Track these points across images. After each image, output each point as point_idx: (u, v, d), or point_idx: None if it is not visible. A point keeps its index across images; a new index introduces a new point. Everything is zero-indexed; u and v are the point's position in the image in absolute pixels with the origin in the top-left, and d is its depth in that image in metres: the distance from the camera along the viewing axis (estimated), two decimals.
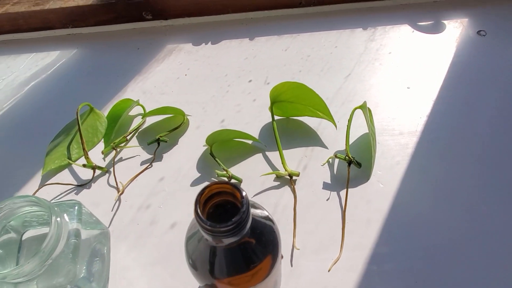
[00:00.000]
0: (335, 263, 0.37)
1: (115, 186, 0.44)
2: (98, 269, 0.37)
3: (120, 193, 0.43)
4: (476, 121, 0.47)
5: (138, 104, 0.49)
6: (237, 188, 0.23)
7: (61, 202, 0.35)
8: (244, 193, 0.23)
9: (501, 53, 0.53)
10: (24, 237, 0.36)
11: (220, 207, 0.25)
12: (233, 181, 0.43)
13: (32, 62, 0.58)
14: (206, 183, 0.43)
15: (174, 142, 0.47)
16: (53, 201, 0.43)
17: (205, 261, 0.26)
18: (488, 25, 0.56)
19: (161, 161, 0.46)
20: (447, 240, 0.38)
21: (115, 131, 0.47)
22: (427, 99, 0.49)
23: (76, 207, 0.35)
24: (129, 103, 0.49)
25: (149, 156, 0.46)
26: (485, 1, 0.60)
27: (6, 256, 0.34)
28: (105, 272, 0.38)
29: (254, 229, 0.26)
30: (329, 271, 0.37)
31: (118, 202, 0.43)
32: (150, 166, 0.45)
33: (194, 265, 0.27)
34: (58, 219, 0.31)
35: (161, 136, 0.46)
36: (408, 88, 0.51)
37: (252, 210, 0.28)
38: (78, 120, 0.46)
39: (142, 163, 0.46)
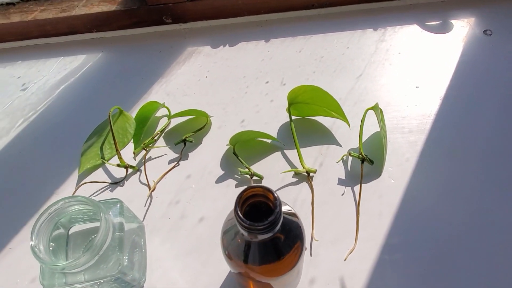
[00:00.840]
0: (350, 253, 0.41)
1: (146, 183, 0.48)
2: (138, 259, 0.41)
3: (151, 190, 0.47)
4: (482, 119, 0.50)
5: (164, 106, 0.53)
6: (269, 190, 0.27)
7: (105, 201, 0.39)
8: (276, 195, 0.27)
9: (507, 52, 0.55)
10: (70, 232, 0.40)
11: (253, 206, 0.29)
12: (255, 178, 0.47)
13: (61, 66, 0.62)
14: (230, 181, 0.47)
15: (199, 142, 0.51)
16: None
17: (240, 252, 0.30)
18: (494, 25, 0.59)
19: (187, 159, 0.50)
20: (453, 231, 0.42)
21: (144, 132, 0.51)
22: (435, 97, 0.52)
23: (119, 205, 0.39)
24: (155, 106, 0.52)
25: (176, 155, 0.50)
26: (492, 0, 0.62)
27: (57, 248, 0.38)
28: (143, 262, 0.42)
29: (283, 225, 0.29)
30: (345, 260, 0.41)
31: (150, 198, 0.47)
32: (177, 164, 0.49)
33: (229, 256, 0.31)
34: (106, 216, 0.35)
35: (187, 137, 0.49)
36: (417, 87, 0.54)
37: (283, 208, 0.31)
38: (110, 122, 0.49)
39: (170, 162, 0.50)
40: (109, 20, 0.62)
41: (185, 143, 0.50)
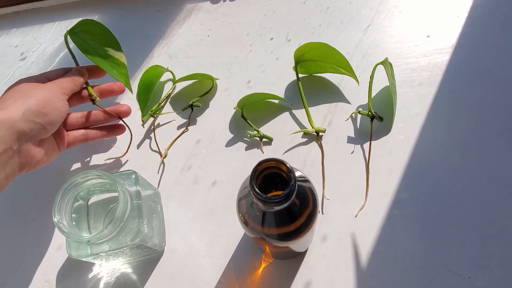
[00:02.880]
0: (361, 210, 0.43)
1: (158, 151, 0.48)
2: (156, 224, 0.42)
3: (163, 157, 0.47)
4: (495, 68, 0.48)
5: (168, 71, 0.52)
6: (283, 163, 0.27)
7: (121, 173, 0.40)
8: (290, 166, 0.27)
9: None
10: (89, 202, 0.41)
11: (268, 177, 0.29)
12: (264, 140, 0.47)
13: (58, 31, 0.60)
14: (240, 144, 0.48)
15: (206, 106, 0.51)
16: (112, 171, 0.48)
17: (257, 220, 0.31)
18: None
19: (195, 124, 0.50)
20: (461, 184, 0.43)
21: (150, 99, 0.51)
22: (446, 47, 0.50)
23: (133, 176, 0.40)
24: (159, 70, 0.51)
25: (184, 120, 0.50)
26: None
27: (79, 219, 0.40)
28: (161, 227, 0.44)
29: (298, 193, 0.30)
30: (355, 216, 0.42)
31: (162, 165, 0.48)
32: (186, 130, 0.49)
33: (246, 222, 0.32)
34: (123, 188, 0.36)
35: (194, 101, 0.49)
36: (428, 36, 0.52)
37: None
38: None
39: (179, 127, 0.50)
40: None
41: (192, 108, 0.49)
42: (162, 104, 0.51)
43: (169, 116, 0.51)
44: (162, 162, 0.48)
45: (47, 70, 0.56)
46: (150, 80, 0.51)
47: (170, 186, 0.46)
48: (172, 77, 0.52)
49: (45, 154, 0.41)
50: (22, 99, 0.38)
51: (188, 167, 0.47)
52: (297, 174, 0.33)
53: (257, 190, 0.26)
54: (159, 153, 0.48)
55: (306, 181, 0.33)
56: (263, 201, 0.26)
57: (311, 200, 0.32)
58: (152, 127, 0.49)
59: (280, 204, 0.27)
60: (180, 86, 0.53)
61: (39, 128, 0.38)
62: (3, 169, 0.36)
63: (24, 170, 0.39)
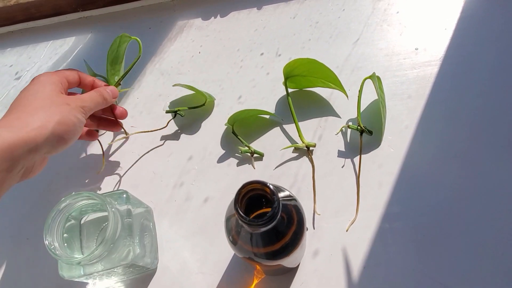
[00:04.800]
0: (352, 224, 0.43)
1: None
2: (148, 242, 0.43)
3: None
4: (482, 79, 0.49)
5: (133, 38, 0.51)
6: (266, 185, 0.28)
7: (111, 193, 0.40)
8: (273, 189, 0.28)
9: (508, 5, 0.53)
10: (82, 221, 0.42)
11: (253, 198, 0.29)
12: (255, 155, 0.47)
13: (51, 50, 0.61)
14: (232, 160, 0.48)
15: (198, 122, 0.51)
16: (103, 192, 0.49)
17: (245, 240, 0.31)
18: None
19: (187, 141, 0.50)
20: (450, 196, 0.43)
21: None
22: (434, 59, 0.51)
23: (125, 195, 0.40)
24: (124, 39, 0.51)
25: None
26: None
27: (71, 238, 0.40)
28: (154, 244, 0.44)
29: (284, 211, 0.30)
30: (347, 231, 0.43)
31: (155, 182, 0.48)
32: (165, 126, 0.51)
33: (234, 242, 0.33)
34: (113, 209, 0.36)
35: (180, 109, 0.50)
36: (416, 49, 0.52)
37: (279, 194, 0.32)
38: None
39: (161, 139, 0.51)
40: None
41: (175, 115, 0.50)
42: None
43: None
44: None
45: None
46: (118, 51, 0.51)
47: (162, 203, 0.47)
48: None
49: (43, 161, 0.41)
50: (47, 116, 0.36)
51: (180, 183, 0.48)
52: (284, 193, 0.33)
53: (241, 213, 0.27)
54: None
55: (293, 199, 0.33)
56: (247, 223, 0.27)
57: (298, 219, 0.32)
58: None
59: (265, 225, 0.27)
60: (172, 97, 0.53)
61: (54, 151, 0.38)
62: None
63: (22, 179, 0.39)
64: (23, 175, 0.38)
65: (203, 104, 0.51)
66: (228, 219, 0.33)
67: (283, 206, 0.31)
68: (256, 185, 0.28)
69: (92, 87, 0.45)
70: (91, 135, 0.47)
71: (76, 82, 0.44)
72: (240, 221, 0.27)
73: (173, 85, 0.52)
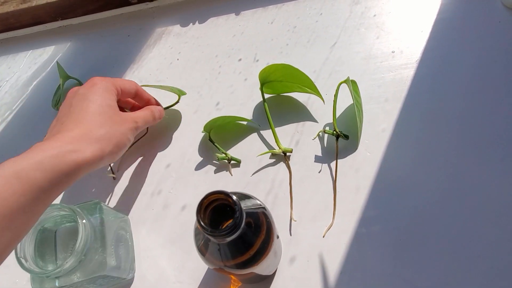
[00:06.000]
0: (328, 229, 0.43)
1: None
2: (124, 252, 0.43)
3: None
4: (458, 81, 0.48)
5: None
6: (228, 195, 0.28)
7: (84, 204, 0.40)
8: (235, 199, 0.27)
9: (484, 7, 0.53)
10: (57, 231, 0.42)
11: (220, 207, 0.29)
12: (232, 162, 0.47)
13: (31, 60, 0.60)
14: (209, 167, 0.48)
15: (176, 129, 0.51)
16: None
17: (212, 252, 0.31)
18: None
19: (166, 149, 0.50)
20: (428, 199, 0.43)
21: None
22: (411, 62, 0.51)
23: (98, 206, 0.40)
24: None
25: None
26: None
27: (45, 250, 0.40)
28: (130, 253, 0.44)
29: (252, 219, 0.30)
30: (323, 236, 0.42)
31: (132, 192, 0.48)
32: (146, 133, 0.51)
33: (202, 253, 0.33)
34: (84, 220, 0.36)
35: None
36: (392, 52, 0.52)
37: (246, 202, 0.32)
38: None
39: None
40: (73, 6, 0.60)
41: None
42: None
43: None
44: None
45: (23, 99, 0.57)
46: None
47: (140, 211, 0.47)
48: None
49: None
50: (107, 139, 0.37)
51: (158, 191, 0.47)
52: (253, 202, 0.33)
53: (202, 224, 0.27)
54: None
55: (261, 207, 0.33)
56: (209, 234, 0.27)
57: (266, 227, 0.32)
58: None
59: (228, 235, 0.27)
60: None
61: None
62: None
63: None
64: None
65: (178, 101, 0.51)
66: (196, 231, 0.33)
67: (251, 215, 0.31)
68: (220, 195, 0.28)
69: (147, 103, 0.46)
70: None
71: (131, 95, 0.45)
72: (205, 234, 0.27)
73: (141, 85, 0.52)
